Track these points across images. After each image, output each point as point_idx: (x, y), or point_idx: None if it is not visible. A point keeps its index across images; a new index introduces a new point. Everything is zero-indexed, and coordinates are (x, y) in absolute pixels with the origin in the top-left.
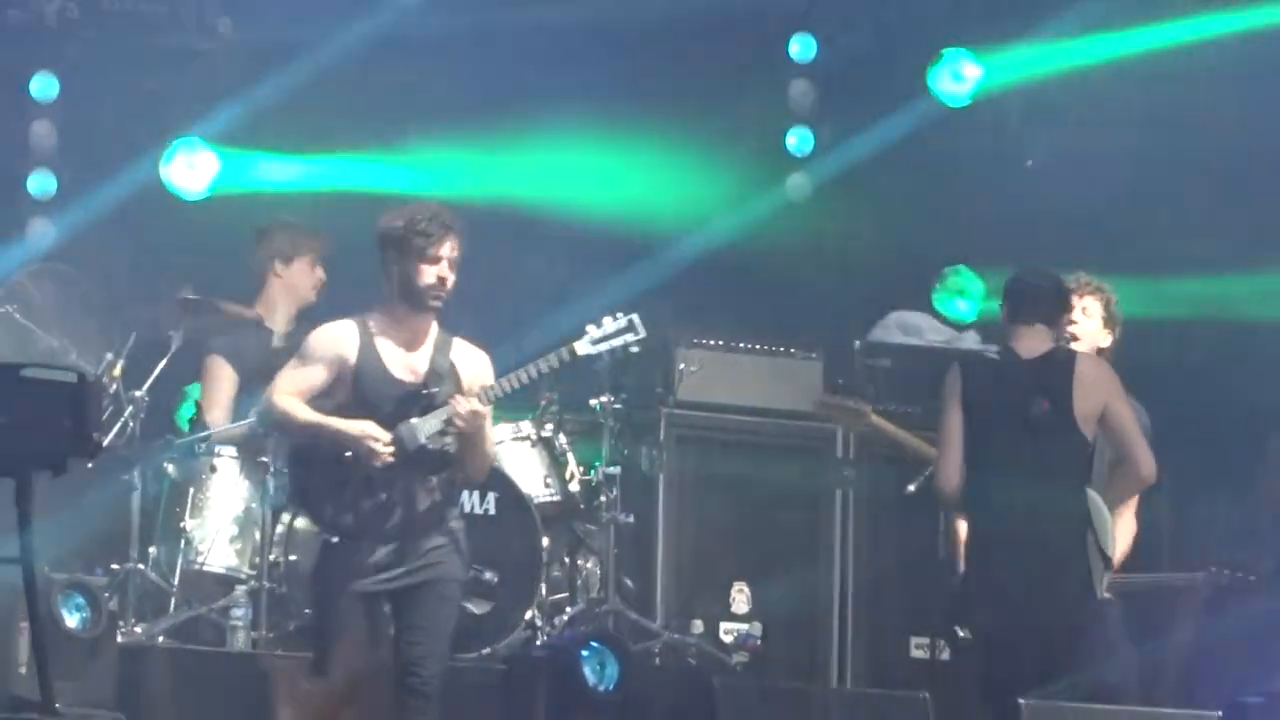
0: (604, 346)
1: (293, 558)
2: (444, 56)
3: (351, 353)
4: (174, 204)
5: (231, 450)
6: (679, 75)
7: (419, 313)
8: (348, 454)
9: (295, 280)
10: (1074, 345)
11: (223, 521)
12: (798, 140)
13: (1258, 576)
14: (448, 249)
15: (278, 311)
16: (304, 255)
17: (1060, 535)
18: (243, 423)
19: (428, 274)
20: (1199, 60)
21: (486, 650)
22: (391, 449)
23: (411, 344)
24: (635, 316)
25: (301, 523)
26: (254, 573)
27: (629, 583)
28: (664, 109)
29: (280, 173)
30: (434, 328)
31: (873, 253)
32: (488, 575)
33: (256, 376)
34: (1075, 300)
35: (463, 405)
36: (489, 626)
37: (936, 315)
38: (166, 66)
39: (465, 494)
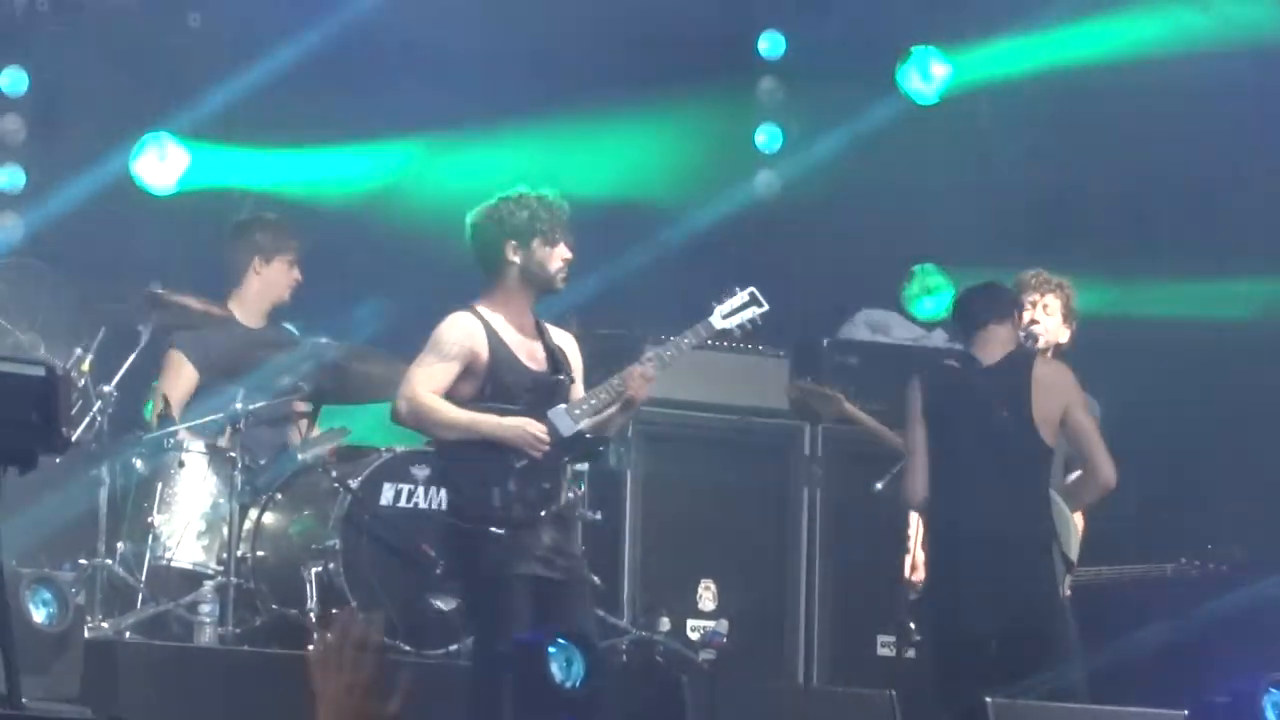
0: (735, 320)
1: (260, 553)
2: (412, 53)
3: (483, 346)
4: (143, 199)
5: (200, 445)
6: (648, 72)
7: (534, 298)
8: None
9: (274, 278)
10: (1037, 341)
11: (190, 517)
12: (766, 137)
13: (1229, 566)
14: (568, 231)
15: (252, 307)
16: (284, 254)
17: (1025, 542)
18: (212, 418)
19: (556, 257)
20: (1170, 59)
21: (454, 647)
22: (549, 439)
23: (524, 330)
24: (754, 289)
25: (269, 518)
26: (221, 568)
27: (596, 580)
28: (632, 105)
29: (252, 168)
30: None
31: (841, 250)
32: None
33: (223, 372)
34: (1036, 297)
35: (637, 381)
36: (456, 623)
37: (905, 313)
38: (137, 61)
39: (434, 490)
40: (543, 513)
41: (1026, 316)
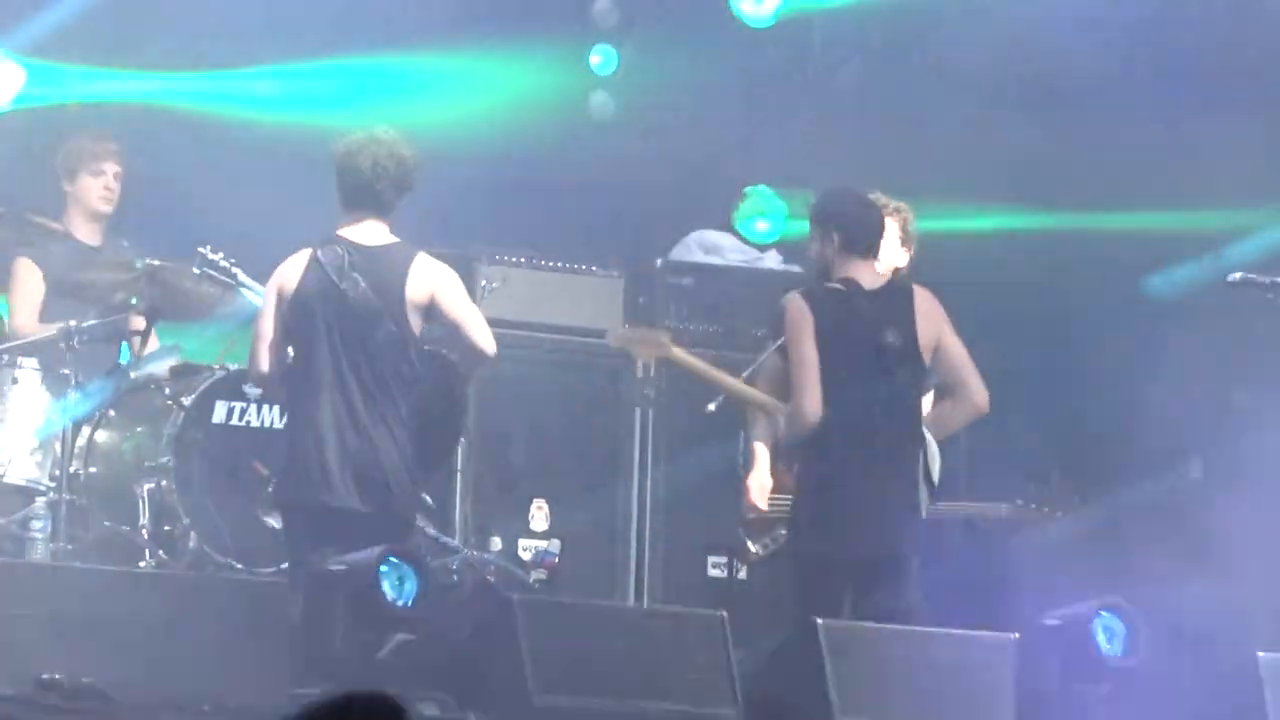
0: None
1: (93, 470)
2: None
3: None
4: None
5: (34, 362)
6: None
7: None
8: None
9: (81, 195)
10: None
11: (23, 433)
12: (601, 59)
13: (1063, 512)
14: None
15: (80, 225)
16: (86, 167)
17: (904, 463)
18: (47, 333)
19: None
20: None
21: (285, 565)
22: None
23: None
24: None
25: (102, 435)
26: (54, 485)
27: (428, 499)
28: (466, 25)
29: (87, 86)
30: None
31: (675, 172)
32: None
33: (61, 288)
34: None
35: None
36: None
37: (738, 235)
38: None
39: (266, 408)
40: None
41: None
